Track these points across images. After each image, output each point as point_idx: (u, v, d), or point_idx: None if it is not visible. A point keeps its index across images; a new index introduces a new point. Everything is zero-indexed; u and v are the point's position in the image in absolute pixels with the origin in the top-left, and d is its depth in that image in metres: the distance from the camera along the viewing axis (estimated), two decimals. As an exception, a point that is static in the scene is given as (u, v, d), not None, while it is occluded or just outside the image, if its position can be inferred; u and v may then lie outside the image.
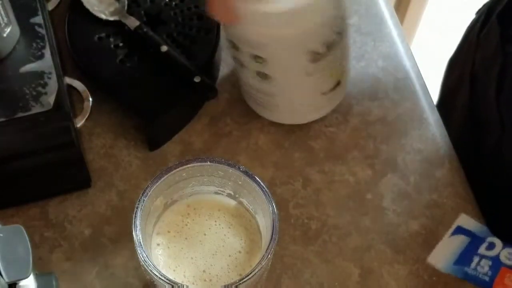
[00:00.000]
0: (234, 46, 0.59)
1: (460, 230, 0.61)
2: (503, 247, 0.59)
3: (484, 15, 0.75)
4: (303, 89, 0.63)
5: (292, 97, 0.63)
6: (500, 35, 0.69)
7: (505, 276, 0.57)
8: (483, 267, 0.58)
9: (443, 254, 0.60)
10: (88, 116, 0.61)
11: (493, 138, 0.68)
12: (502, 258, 0.58)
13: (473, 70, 0.75)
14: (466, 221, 0.61)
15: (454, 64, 0.83)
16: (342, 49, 0.62)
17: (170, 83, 0.64)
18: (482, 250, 0.59)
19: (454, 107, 0.78)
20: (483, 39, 0.74)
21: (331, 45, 0.59)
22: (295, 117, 0.66)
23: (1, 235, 0.49)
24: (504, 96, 0.66)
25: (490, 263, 0.58)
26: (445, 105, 0.80)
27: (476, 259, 0.59)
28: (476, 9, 0.78)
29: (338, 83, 0.64)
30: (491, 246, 0.59)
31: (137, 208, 0.50)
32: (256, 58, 0.58)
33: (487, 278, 0.58)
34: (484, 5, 0.76)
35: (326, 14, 0.57)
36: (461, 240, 0.60)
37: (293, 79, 0.61)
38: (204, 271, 0.52)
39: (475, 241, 0.60)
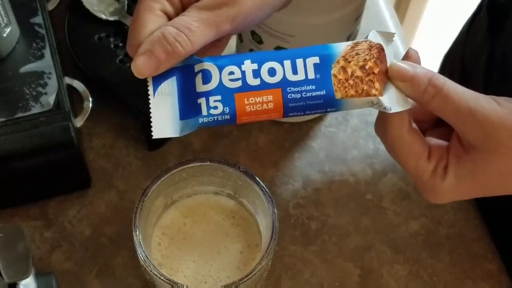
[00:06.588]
0: (258, 40, 0.59)
1: (157, 82, 0.44)
2: (219, 69, 0.44)
3: (474, 12, 0.75)
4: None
5: None
6: (487, 25, 0.69)
7: (243, 102, 0.43)
8: (216, 108, 0.43)
9: (160, 119, 0.44)
10: (88, 116, 0.61)
11: None
12: (226, 82, 0.44)
13: (463, 64, 0.75)
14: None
15: (447, 60, 0.83)
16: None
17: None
18: (199, 86, 0.44)
19: None
20: (472, 32, 0.74)
21: (350, 37, 0.59)
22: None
23: (1, 235, 0.49)
24: (492, 88, 0.66)
25: (219, 97, 0.43)
26: None
27: (202, 102, 0.43)
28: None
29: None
30: (206, 76, 0.44)
31: (137, 208, 0.50)
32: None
33: (228, 117, 0.43)
34: None
35: (356, 1, 0.56)
36: (167, 90, 0.44)
37: None
38: (204, 271, 0.52)
39: (182, 79, 0.44)
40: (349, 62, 0.43)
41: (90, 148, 0.65)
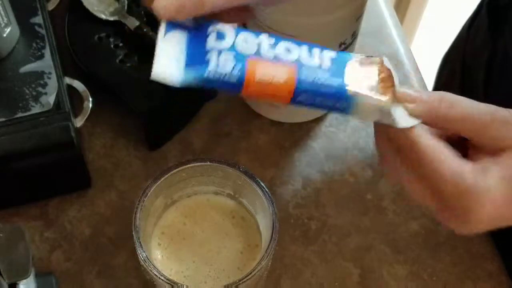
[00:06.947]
0: None
1: (169, 27, 0.42)
2: (236, 33, 0.42)
3: (475, 11, 0.75)
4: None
5: None
6: (488, 24, 0.69)
7: (255, 69, 0.41)
8: (225, 65, 0.40)
9: (165, 60, 0.41)
10: (88, 116, 0.61)
11: None
12: (240, 46, 0.41)
13: (464, 63, 0.75)
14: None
15: (447, 60, 0.83)
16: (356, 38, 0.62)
17: (170, 83, 0.64)
18: (211, 42, 0.41)
19: None
20: (472, 31, 0.74)
21: (351, 37, 0.59)
22: (296, 116, 0.66)
23: (1, 235, 0.49)
24: (492, 87, 0.66)
25: (231, 56, 0.41)
26: None
27: (213, 55, 0.41)
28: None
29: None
30: (221, 35, 0.41)
31: (137, 208, 0.50)
32: None
33: (235, 80, 0.40)
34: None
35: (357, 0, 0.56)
36: (178, 37, 0.42)
37: None
38: (204, 271, 0.52)
39: (196, 32, 0.42)
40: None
41: (90, 148, 0.65)
